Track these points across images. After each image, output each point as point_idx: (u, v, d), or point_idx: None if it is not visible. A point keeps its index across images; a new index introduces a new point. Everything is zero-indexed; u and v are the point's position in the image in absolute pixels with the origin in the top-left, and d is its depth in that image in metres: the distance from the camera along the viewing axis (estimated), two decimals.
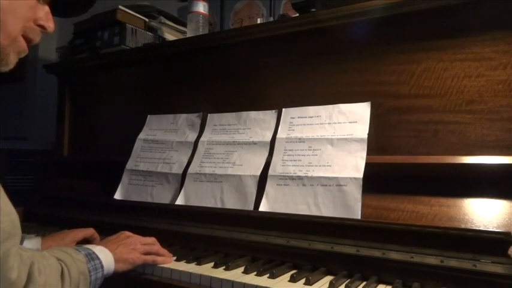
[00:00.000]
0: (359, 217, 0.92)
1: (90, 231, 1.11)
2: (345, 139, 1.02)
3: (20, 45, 0.70)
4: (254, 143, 1.16)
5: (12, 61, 0.70)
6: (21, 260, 0.64)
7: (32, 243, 1.00)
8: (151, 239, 0.99)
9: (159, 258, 0.95)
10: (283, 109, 1.16)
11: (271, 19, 1.68)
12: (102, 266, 0.82)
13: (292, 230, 0.96)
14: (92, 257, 0.82)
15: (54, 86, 1.81)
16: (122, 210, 1.26)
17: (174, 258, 0.99)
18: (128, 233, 0.98)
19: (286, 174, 1.05)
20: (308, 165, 1.04)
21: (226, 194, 1.13)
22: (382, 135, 1.02)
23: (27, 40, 0.72)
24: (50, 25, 0.74)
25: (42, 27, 0.73)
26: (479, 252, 0.76)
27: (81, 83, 1.70)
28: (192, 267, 0.92)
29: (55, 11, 0.77)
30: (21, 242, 0.99)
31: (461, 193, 0.86)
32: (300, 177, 1.03)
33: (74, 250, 0.80)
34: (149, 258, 0.94)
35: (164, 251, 0.98)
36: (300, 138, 1.09)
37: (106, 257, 0.85)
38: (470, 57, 0.94)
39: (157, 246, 0.98)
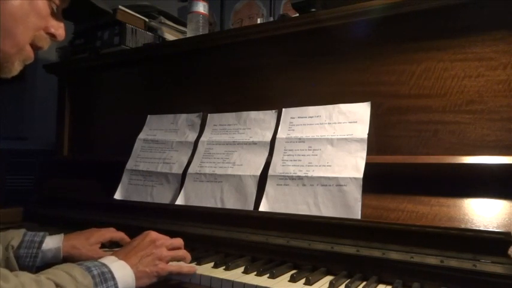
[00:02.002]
0: (359, 217, 0.92)
1: (119, 235, 1.08)
2: (345, 139, 1.02)
3: (26, 54, 0.70)
4: (254, 143, 1.16)
5: (16, 69, 0.70)
6: None
7: (53, 241, 0.99)
8: (178, 242, 0.93)
9: (184, 269, 0.88)
10: (283, 109, 1.16)
11: (271, 19, 1.68)
12: None
13: (292, 230, 0.96)
14: (105, 277, 0.73)
15: (54, 86, 1.81)
16: (122, 210, 1.26)
17: None
18: (153, 236, 0.89)
19: (286, 174, 1.05)
20: (308, 165, 1.04)
21: (226, 194, 1.13)
22: (382, 135, 1.02)
23: (36, 48, 0.71)
24: (61, 33, 0.73)
25: (52, 35, 0.72)
26: (479, 252, 0.76)
27: (81, 83, 1.70)
28: None
29: (67, 15, 0.76)
30: (43, 239, 0.98)
31: (461, 193, 0.86)
32: (300, 177, 1.03)
33: (82, 271, 0.71)
34: (175, 269, 0.86)
35: (189, 255, 0.92)
36: (300, 138, 1.09)
37: (124, 275, 0.77)
38: (470, 57, 0.94)
39: (183, 251, 0.92)
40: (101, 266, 0.75)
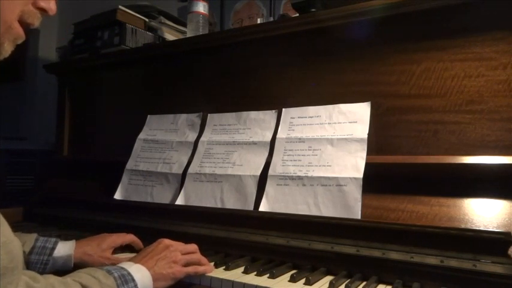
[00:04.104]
0: (359, 217, 0.92)
1: (129, 238, 1.07)
2: (345, 139, 1.02)
3: (15, 32, 0.63)
4: (254, 143, 1.16)
5: (7, 50, 0.63)
6: None
7: (65, 248, 0.97)
8: (193, 247, 0.93)
9: (200, 269, 0.88)
10: (283, 109, 1.16)
11: (271, 19, 1.68)
12: None
13: (292, 230, 0.96)
14: (126, 279, 0.74)
15: (54, 86, 1.81)
16: (121, 210, 1.26)
17: None
18: (167, 242, 0.90)
19: (286, 174, 1.05)
20: (308, 165, 1.04)
21: (226, 194, 1.13)
22: (382, 135, 1.02)
23: (25, 25, 0.64)
24: (52, 7, 0.66)
25: (42, 9, 0.65)
26: (479, 252, 0.76)
27: (81, 83, 1.70)
28: None
29: None
30: (55, 246, 0.96)
31: (461, 193, 0.86)
32: (300, 177, 1.03)
33: (104, 273, 0.72)
34: (191, 270, 0.87)
35: (204, 259, 0.92)
36: (300, 138, 1.09)
37: (143, 277, 0.78)
38: (470, 57, 0.94)
39: (198, 255, 0.92)
40: (120, 269, 0.76)
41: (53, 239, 0.98)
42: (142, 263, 0.82)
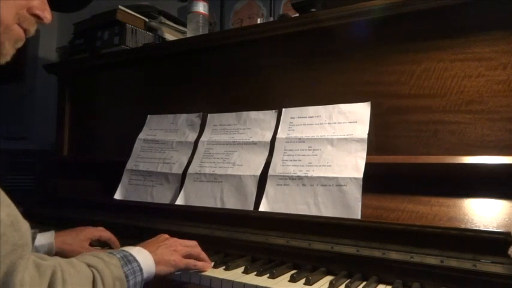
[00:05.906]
0: (359, 217, 0.92)
1: (107, 234, 1.07)
2: (345, 139, 1.02)
3: (15, 34, 0.65)
4: (254, 143, 1.16)
5: (8, 51, 0.65)
6: (39, 272, 0.59)
7: (45, 237, 0.98)
8: (193, 242, 0.93)
9: (199, 263, 0.89)
10: (283, 109, 1.16)
11: (271, 19, 1.68)
12: (141, 269, 0.76)
13: (292, 230, 0.96)
14: (128, 259, 0.75)
15: (54, 86, 1.81)
16: (122, 210, 1.26)
17: None
18: (166, 235, 0.92)
19: (286, 174, 1.05)
20: (308, 165, 1.04)
21: (226, 194, 1.13)
22: (382, 135, 1.02)
23: (23, 30, 0.67)
24: (46, 15, 0.69)
25: (37, 16, 0.68)
26: (479, 252, 0.76)
27: (81, 83, 1.70)
28: None
29: (52, 5, 0.73)
30: (35, 236, 0.96)
31: (461, 193, 0.86)
32: (300, 177, 1.03)
33: (106, 254, 0.74)
34: (191, 262, 0.87)
35: (204, 255, 0.92)
36: (300, 138, 1.09)
37: (145, 259, 0.78)
38: (470, 57, 0.94)
39: (198, 249, 0.92)
40: (121, 251, 0.77)
41: (32, 230, 0.99)
42: (144, 247, 0.82)
